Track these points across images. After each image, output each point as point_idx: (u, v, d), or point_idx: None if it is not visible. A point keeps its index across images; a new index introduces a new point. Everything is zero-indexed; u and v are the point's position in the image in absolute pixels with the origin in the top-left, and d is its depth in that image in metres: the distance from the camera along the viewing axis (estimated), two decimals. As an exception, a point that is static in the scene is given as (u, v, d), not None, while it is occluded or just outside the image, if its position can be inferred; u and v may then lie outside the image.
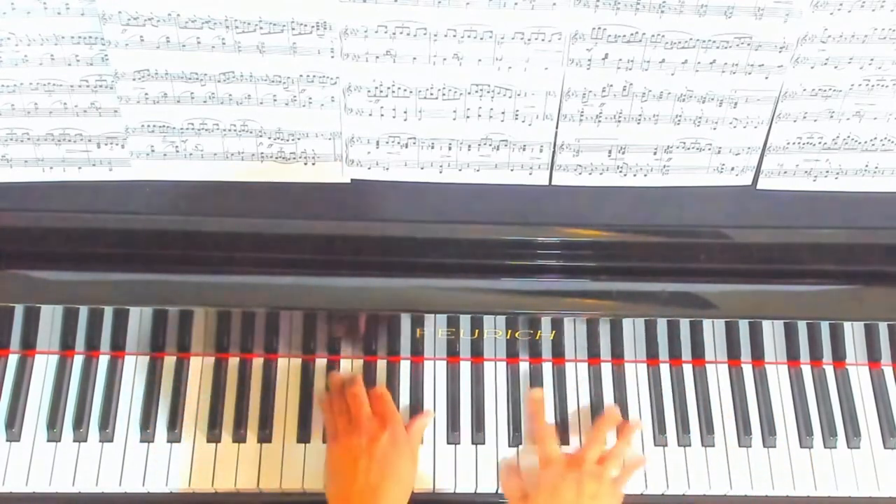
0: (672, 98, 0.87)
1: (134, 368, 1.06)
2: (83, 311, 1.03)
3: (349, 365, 1.08)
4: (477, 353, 1.09)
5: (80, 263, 0.93)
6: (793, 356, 1.11)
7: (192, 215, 0.91)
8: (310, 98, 0.86)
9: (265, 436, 1.04)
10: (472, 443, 1.05)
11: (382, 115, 0.87)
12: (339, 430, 1.01)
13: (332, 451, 1.01)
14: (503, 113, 0.87)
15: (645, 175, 0.93)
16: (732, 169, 0.93)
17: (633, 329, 1.08)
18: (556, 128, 0.89)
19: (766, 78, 0.86)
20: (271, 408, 1.05)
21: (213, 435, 1.03)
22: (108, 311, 1.03)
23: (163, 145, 0.88)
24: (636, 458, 1.04)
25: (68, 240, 0.92)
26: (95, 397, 1.04)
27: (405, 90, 0.85)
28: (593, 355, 1.09)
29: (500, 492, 1.03)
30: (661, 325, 1.08)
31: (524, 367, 1.09)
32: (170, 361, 1.07)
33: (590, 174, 0.92)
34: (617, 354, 1.10)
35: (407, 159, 0.90)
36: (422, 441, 1.04)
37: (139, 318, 1.04)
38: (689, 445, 1.06)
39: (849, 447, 1.07)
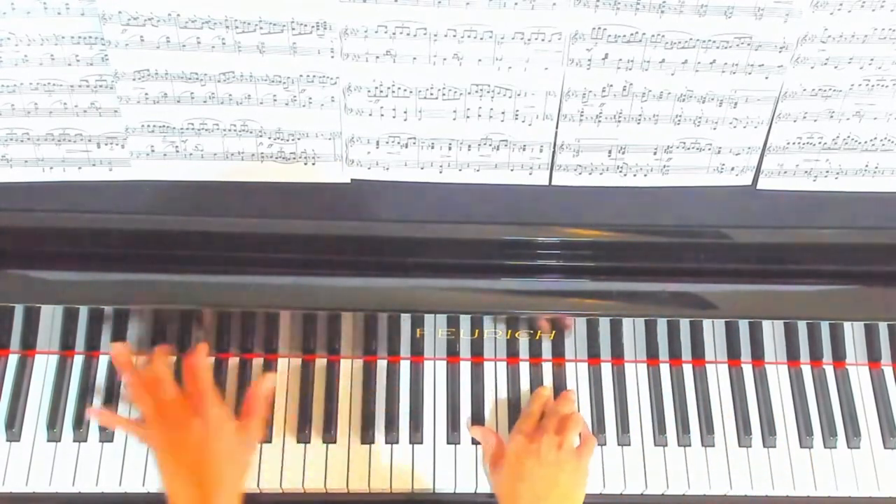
0: (672, 98, 0.87)
1: (134, 368, 1.06)
2: (83, 311, 1.03)
3: (349, 365, 1.08)
4: (477, 353, 1.09)
5: (80, 263, 0.93)
6: (793, 356, 1.11)
7: (192, 215, 0.91)
8: (310, 98, 0.86)
9: (265, 436, 1.04)
10: (473, 443, 1.05)
11: (382, 115, 0.87)
12: (145, 418, 0.97)
13: (150, 440, 0.97)
14: (503, 113, 0.87)
15: (645, 175, 0.93)
16: (732, 169, 0.93)
17: (633, 329, 1.08)
18: (556, 128, 0.89)
19: (766, 78, 0.86)
20: (271, 408, 1.05)
21: (213, 435, 1.03)
22: (108, 311, 1.03)
23: (163, 145, 0.88)
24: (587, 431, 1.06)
25: (68, 240, 0.92)
26: (95, 397, 1.04)
27: (405, 90, 0.85)
28: (593, 355, 1.09)
29: (500, 492, 1.03)
30: (661, 325, 1.08)
31: (524, 367, 1.09)
32: (170, 362, 1.07)
33: (590, 174, 0.92)
34: (617, 354, 1.09)
35: (407, 159, 0.90)
36: (266, 425, 1.01)
37: (139, 319, 1.04)
38: (689, 445, 1.06)
39: (849, 447, 1.07)
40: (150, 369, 0.99)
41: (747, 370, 1.10)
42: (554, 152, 0.91)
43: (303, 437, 1.04)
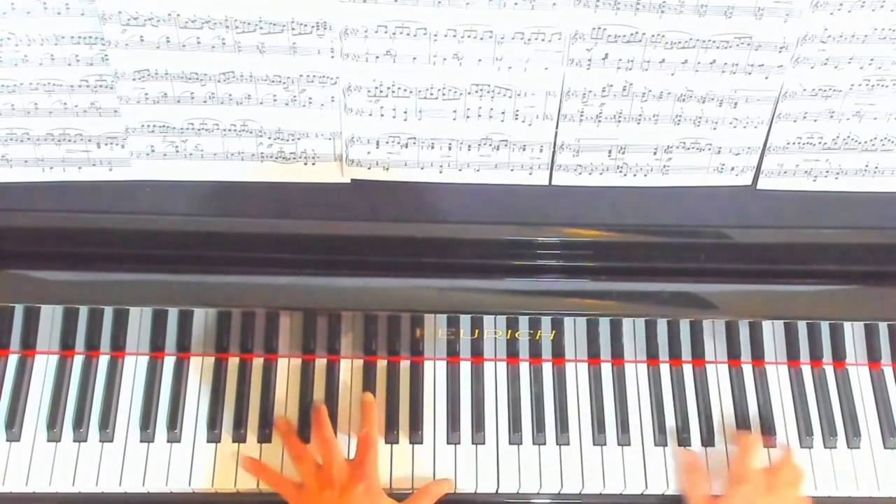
0: (672, 98, 0.87)
1: (134, 368, 1.06)
2: (83, 311, 1.03)
3: (349, 365, 1.08)
4: (477, 353, 1.09)
5: (80, 263, 0.93)
6: (793, 356, 1.11)
7: (192, 215, 0.91)
8: (310, 98, 0.86)
9: (265, 436, 1.04)
10: (472, 443, 1.05)
11: (382, 115, 0.87)
12: (305, 479, 0.97)
13: (302, 501, 0.96)
14: (503, 113, 0.87)
15: (645, 175, 0.93)
16: (732, 169, 0.93)
17: (633, 329, 1.08)
18: (556, 128, 0.89)
19: (766, 78, 0.86)
20: (271, 408, 1.05)
21: (213, 435, 1.03)
22: (108, 311, 1.03)
23: (163, 145, 0.88)
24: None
25: (68, 240, 0.92)
26: (95, 397, 1.04)
27: (405, 90, 0.85)
28: (593, 355, 1.09)
29: (500, 491, 1.03)
30: (661, 325, 1.08)
31: (524, 366, 1.09)
32: (170, 361, 1.07)
33: (590, 174, 0.92)
34: (617, 354, 1.09)
35: (407, 159, 0.90)
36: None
37: (139, 318, 1.04)
38: (689, 445, 1.06)
39: (849, 447, 1.07)
40: (318, 433, 1.00)
41: (747, 370, 1.10)
42: (554, 152, 0.91)
43: (302, 437, 1.04)
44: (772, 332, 1.09)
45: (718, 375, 1.10)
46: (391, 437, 1.04)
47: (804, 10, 0.82)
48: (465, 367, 1.09)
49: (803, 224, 0.95)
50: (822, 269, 0.97)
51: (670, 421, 1.07)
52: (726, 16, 0.82)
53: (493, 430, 1.06)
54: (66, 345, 1.06)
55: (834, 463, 1.06)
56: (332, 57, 0.83)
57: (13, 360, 1.05)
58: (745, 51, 0.84)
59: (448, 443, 1.05)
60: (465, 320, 1.05)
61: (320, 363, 1.08)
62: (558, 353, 1.09)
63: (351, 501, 0.93)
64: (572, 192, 0.93)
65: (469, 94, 0.86)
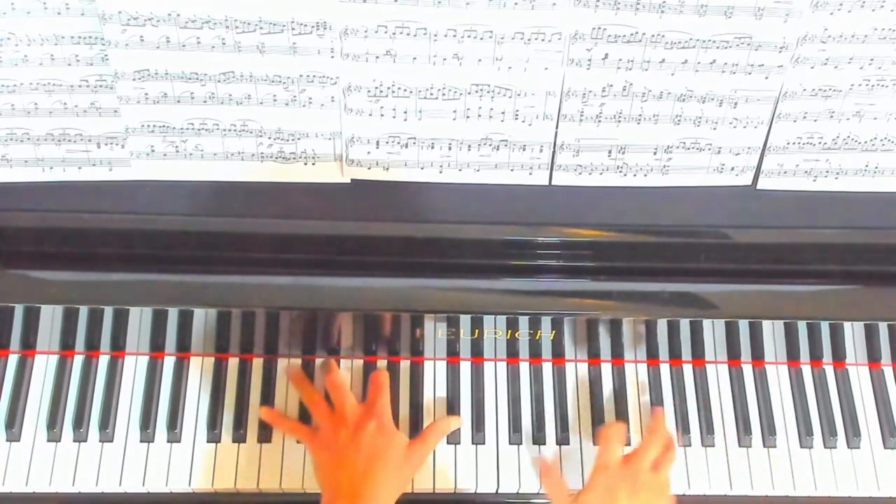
0: (672, 98, 0.87)
1: (134, 368, 1.06)
2: (83, 311, 1.03)
3: (349, 365, 1.08)
4: (477, 353, 1.09)
5: (80, 263, 0.93)
6: (793, 356, 1.11)
7: (192, 215, 0.91)
8: (310, 98, 0.86)
9: (265, 436, 1.04)
10: (472, 443, 1.05)
11: (382, 115, 0.87)
12: (320, 422, 1.00)
13: (317, 453, 0.99)
14: (503, 113, 0.87)
15: (645, 175, 0.93)
16: (732, 169, 0.93)
17: (633, 329, 1.08)
18: (556, 128, 0.89)
19: (766, 78, 0.86)
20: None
21: (213, 435, 1.03)
22: (108, 311, 1.03)
23: (163, 145, 0.88)
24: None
25: (68, 240, 0.92)
26: (95, 397, 1.04)
27: (405, 90, 0.85)
28: (593, 355, 1.09)
29: (500, 491, 1.03)
30: (661, 325, 1.08)
31: (524, 367, 1.09)
32: (170, 361, 1.07)
33: (590, 174, 0.92)
34: (617, 354, 1.10)
35: (407, 159, 0.90)
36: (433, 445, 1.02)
37: (139, 318, 1.04)
38: (689, 445, 1.06)
39: (849, 447, 1.07)
40: (329, 378, 1.04)
41: (747, 370, 1.10)
42: (554, 152, 0.91)
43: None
44: (772, 332, 1.09)
45: (718, 375, 1.10)
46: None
47: (804, 10, 0.82)
48: (465, 367, 1.09)
49: (803, 224, 0.95)
50: (822, 269, 0.97)
51: (670, 421, 1.07)
52: (726, 16, 0.82)
53: (493, 430, 1.06)
54: (66, 345, 1.06)
55: (834, 463, 1.06)
56: (332, 57, 0.83)
57: (13, 360, 1.05)
58: (745, 51, 0.84)
59: (448, 443, 1.05)
60: (465, 320, 1.05)
61: (320, 363, 1.08)
62: (558, 353, 1.09)
63: (364, 438, 0.96)
64: (572, 192, 0.93)
65: (469, 94, 0.86)
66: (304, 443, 1.02)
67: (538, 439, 1.05)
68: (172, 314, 1.04)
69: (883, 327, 1.07)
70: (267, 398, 1.05)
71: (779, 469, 1.05)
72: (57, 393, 1.04)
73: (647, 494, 0.95)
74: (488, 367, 1.09)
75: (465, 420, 1.06)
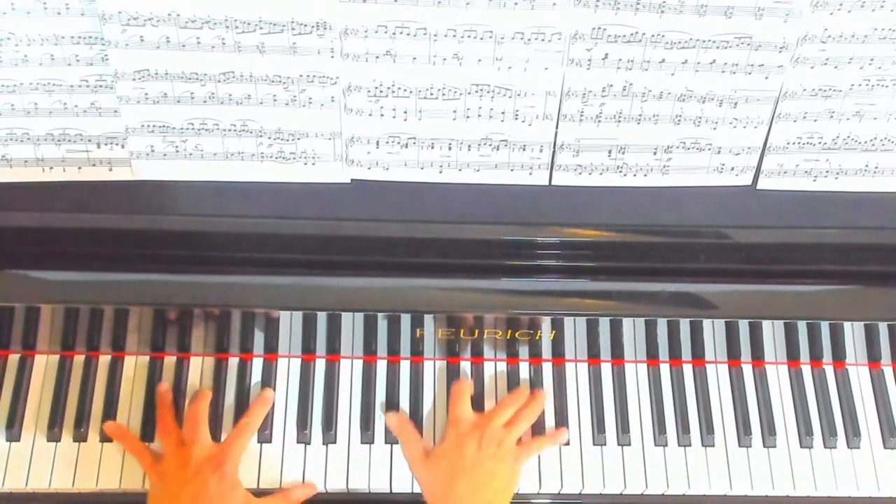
0: (672, 98, 0.87)
1: (134, 368, 1.06)
2: (83, 311, 1.03)
3: (349, 365, 1.08)
4: (477, 353, 1.09)
5: (80, 263, 0.93)
6: (793, 356, 1.11)
7: (192, 215, 0.91)
8: (310, 98, 0.86)
9: (265, 436, 1.04)
10: (472, 443, 1.05)
11: (382, 115, 0.87)
12: (165, 454, 0.97)
13: (156, 474, 0.96)
14: (503, 113, 0.87)
15: (645, 175, 0.93)
16: (732, 169, 0.93)
17: (633, 329, 1.08)
18: (556, 128, 0.89)
19: (766, 78, 0.86)
20: (271, 408, 1.05)
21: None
22: (108, 311, 1.03)
23: (163, 145, 0.88)
24: (551, 432, 1.05)
25: (68, 240, 0.92)
26: (95, 397, 1.04)
27: (405, 90, 0.85)
28: (593, 355, 1.09)
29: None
30: (661, 325, 1.08)
31: (524, 367, 1.09)
32: (170, 361, 1.07)
33: (590, 174, 0.92)
34: (617, 354, 1.09)
35: (407, 159, 0.90)
36: None
37: (139, 318, 1.04)
38: (689, 445, 1.06)
39: (849, 447, 1.07)
40: (191, 408, 1.01)
41: (747, 370, 1.10)
42: (554, 152, 0.91)
43: (303, 437, 1.04)
44: (772, 332, 1.09)
45: (718, 375, 1.10)
46: (391, 437, 1.04)
47: (804, 10, 0.82)
48: (465, 368, 1.09)
49: (803, 224, 0.95)
50: (822, 269, 0.97)
51: (670, 421, 1.07)
52: (726, 16, 0.82)
53: (493, 430, 1.06)
54: (67, 345, 1.06)
55: (834, 463, 1.06)
56: (332, 57, 0.83)
57: (13, 360, 1.05)
58: (745, 51, 0.84)
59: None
60: (465, 320, 1.05)
61: (320, 363, 1.08)
62: (558, 353, 1.09)
63: (202, 486, 0.93)
64: (572, 192, 0.93)
65: (469, 94, 0.86)
66: (143, 468, 0.99)
67: (538, 439, 1.05)
68: (173, 314, 1.04)
69: (883, 327, 1.07)
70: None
71: (779, 469, 1.05)
72: (57, 393, 1.04)
73: (493, 448, 0.98)
74: (488, 367, 1.09)
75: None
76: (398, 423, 1.03)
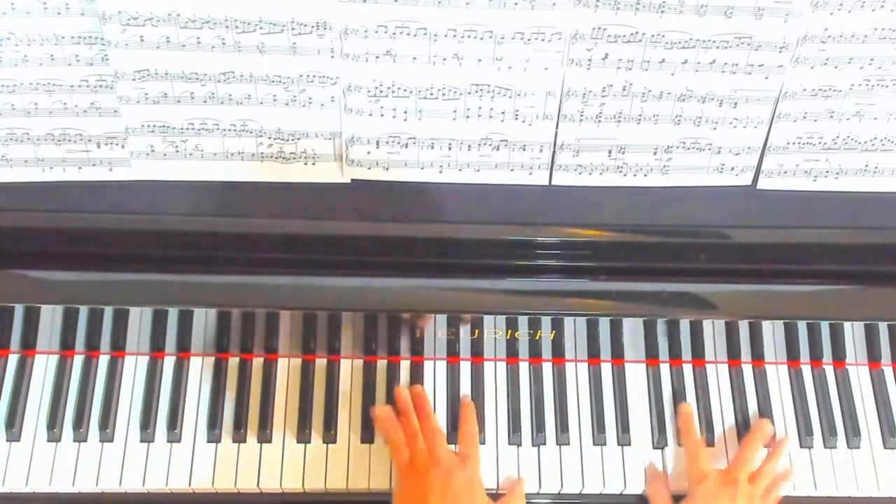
0: (672, 98, 0.87)
1: (134, 368, 1.06)
2: (83, 311, 1.03)
3: (349, 365, 1.08)
4: (477, 353, 1.09)
5: (80, 263, 0.93)
6: (793, 356, 1.11)
7: (192, 215, 0.91)
8: (310, 98, 0.86)
9: (265, 436, 1.04)
10: (472, 443, 1.05)
11: (382, 115, 0.87)
12: (413, 458, 0.99)
13: (403, 481, 0.98)
14: (503, 113, 0.87)
15: (645, 175, 0.93)
16: (732, 169, 0.93)
17: (633, 329, 1.08)
18: (556, 128, 0.89)
19: (766, 78, 0.86)
20: (271, 408, 1.05)
21: (213, 435, 1.03)
22: (108, 311, 1.03)
23: (163, 145, 0.88)
24: (783, 472, 1.04)
25: (68, 240, 0.92)
26: (95, 397, 1.04)
27: (405, 90, 0.85)
28: (593, 355, 1.09)
29: (500, 491, 1.03)
30: (661, 325, 1.08)
31: (524, 367, 1.09)
32: (170, 361, 1.07)
33: (590, 174, 0.92)
34: (617, 354, 1.09)
35: (407, 159, 0.90)
36: None
37: (139, 318, 1.04)
38: (689, 445, 1.06)
39: (849, 447, 1.07)
40: (427, 422, 1.02)
41: (747, 370, 1.10)
42: (554, 152, 0.91)
43: (303, 436, 1.04)
44: (772, 332, 1.09)
45: (718, 375, 1.10)
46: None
47: (804, 10, 0.82)
48: (465, 367, 1.09)
49: (803, 224, 0.95)
50: (822, 269, 0.97)
51: (670, 421, 1.07)
52: (726, 16, 0.82)
53: (492, 431, 1.06)
54: (66, 345, 1.06)
55: (834, 463, 1.06)
56: (332, 57, 0.83)
57: (13, 360, 1.05)
58: (745, 51, 0.84)
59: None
60: (465, 320, 1.05)
61: (320, 363, 1.08)
62: (558, 353, 1.09)
63: (453, 486, 0.95)
64: (572, 192, 0.93)
65: (469, 94, 0.86)
66: (394, 461, 1.01)
67: (538, 440, 1.05)
68: (172, 314, 1.04)
69: (883, 327, 1.07)
70: (267, 398, 1.05)
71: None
72: (57, 393, 1.04)
73: None
74: (488, 366, 1.09)
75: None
76: (653, 473, 1.03)
